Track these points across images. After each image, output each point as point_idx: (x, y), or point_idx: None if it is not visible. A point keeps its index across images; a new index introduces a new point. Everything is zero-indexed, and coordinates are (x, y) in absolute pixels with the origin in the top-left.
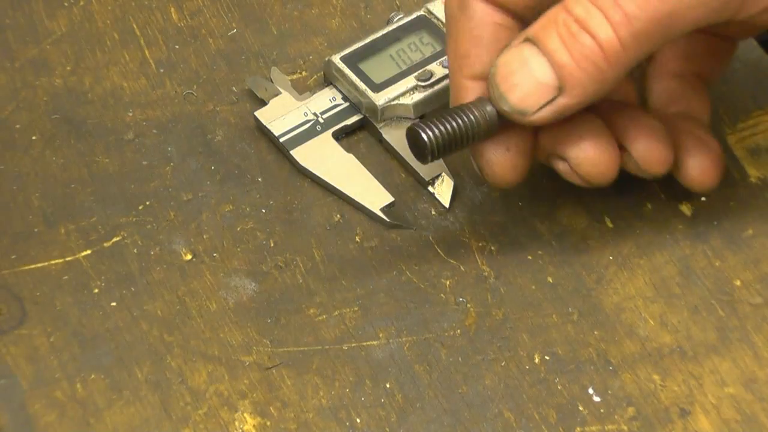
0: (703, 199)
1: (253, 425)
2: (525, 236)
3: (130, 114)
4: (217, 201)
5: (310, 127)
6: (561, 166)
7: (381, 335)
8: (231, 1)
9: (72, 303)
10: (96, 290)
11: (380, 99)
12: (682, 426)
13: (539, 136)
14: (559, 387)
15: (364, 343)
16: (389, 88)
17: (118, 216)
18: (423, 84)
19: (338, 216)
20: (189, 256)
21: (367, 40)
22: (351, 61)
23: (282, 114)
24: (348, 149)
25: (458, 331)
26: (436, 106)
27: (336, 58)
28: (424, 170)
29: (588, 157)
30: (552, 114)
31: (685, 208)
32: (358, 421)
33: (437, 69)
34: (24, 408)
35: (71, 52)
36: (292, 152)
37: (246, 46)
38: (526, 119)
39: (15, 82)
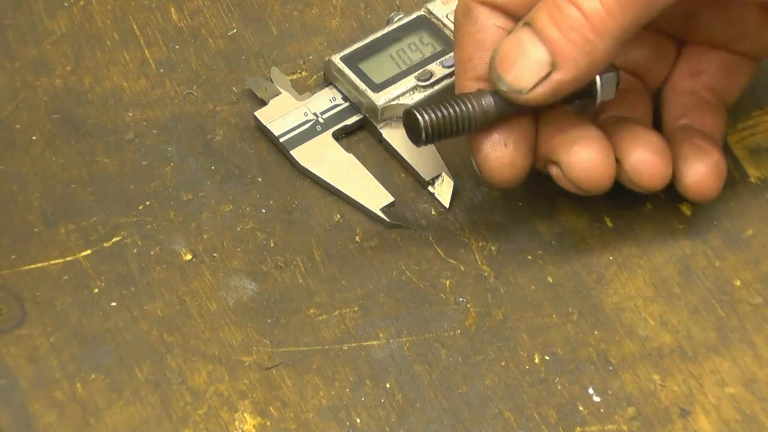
0: None
1: (253, 425)
2: (525, 236)
3: (130, 114)
4: (217, 201)
5: (310, 127)
6: (554, 171)
7: (381, 335)
8: (231, 1)
9: (72, 303)
10: (96, 290)
11: (380, 99)
12: (682, 426)
13: (537, 141)
14: (559, 387)
15: (364, 343)
16: (389, 88)
17: (118, 216)
18: (423, 84)
19: (338, 216)
20: (189, 256)
21: (367, 40)
22: (351, 61)
23: (282, 114)
24: (348, 149)
25: (458, 331)
26: None
27: (336, 58)
28: (424, 170)
29: (579, 161)
30: (548, 91)
31: (685, 208)
32: (358, 421)
33: (437, 69)
34: (24, 408)
35: (71, 52)
36: (292, 152)
37: (246, 46)
38: (523, 97)
39: (15, 82)
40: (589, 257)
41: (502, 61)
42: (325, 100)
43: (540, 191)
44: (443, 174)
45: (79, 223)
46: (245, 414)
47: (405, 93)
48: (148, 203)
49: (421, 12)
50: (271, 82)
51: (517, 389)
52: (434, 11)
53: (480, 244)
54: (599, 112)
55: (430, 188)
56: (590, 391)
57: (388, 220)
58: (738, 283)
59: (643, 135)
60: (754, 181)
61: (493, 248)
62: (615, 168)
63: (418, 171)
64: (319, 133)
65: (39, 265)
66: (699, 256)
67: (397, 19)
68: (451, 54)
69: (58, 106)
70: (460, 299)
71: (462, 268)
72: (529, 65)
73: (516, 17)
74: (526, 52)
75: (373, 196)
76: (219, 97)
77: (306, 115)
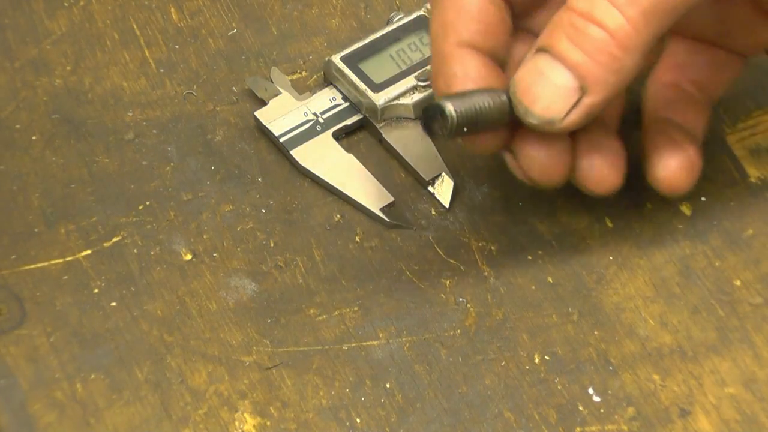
0: (703, 198)
1: (253, 425)
2: (525, 236)
3: (130, 114)
4: (217, 201)
5: (310, 127)
6: (509, 159)
7: (381, 335)
8: (231, 1)
9: (72, 303)
10: (96, 290)
11: (380, 99)
12: (682, 426)
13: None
14: (559, 387)
15: (364, 343)
16: (389, 88)
17: (118, 216)
18: (423, 84)
19: (338, 216)
20: (189, 256)
21: (367, 40)
22: (351, 61)
23: (282, 114)
24: (348, 149)
25: (458, 331)
26: None
27: (336, 58)
28: (424, 170)
29: (530, 150)
30: (582, 116)
31: (685, 208)
32: (358, 421)
33: None
34: (24, 408)
35: (71, 52)
36: (292, 152)
37: (246, 46)
38: (557, 127)
39: (15, 82)
40: (589, 257)
41: (526, 94)
42: (325, 100)
43: (540, 191)
44: (443, 174)
45: (79, 223)
46: (245, 414)
47: (405, 93)
48: (148, 203)
49: (421, 12)
50: (271, 82)
51: (517, 389)
52: None
53: (480, 244)
54: None
55: (430, 188)
56: (590, 391)
57: (388, 220)
58: (738, 283)
59: (600, 141)
60: (754, 181)
61: (493, 248)
62: (569, 166)
63: (418, 171)
64: (319, 133)
65: (39, 265)
66: (699, 256)
67: (397, 19)
68: None
69: (58, 106)
70: (460, 299)
71: (462, 268)
72: (556, 94)
73: None
74: (550, 81)
75: (373, 196)
76: (219, 97)
77: (306, 115)
